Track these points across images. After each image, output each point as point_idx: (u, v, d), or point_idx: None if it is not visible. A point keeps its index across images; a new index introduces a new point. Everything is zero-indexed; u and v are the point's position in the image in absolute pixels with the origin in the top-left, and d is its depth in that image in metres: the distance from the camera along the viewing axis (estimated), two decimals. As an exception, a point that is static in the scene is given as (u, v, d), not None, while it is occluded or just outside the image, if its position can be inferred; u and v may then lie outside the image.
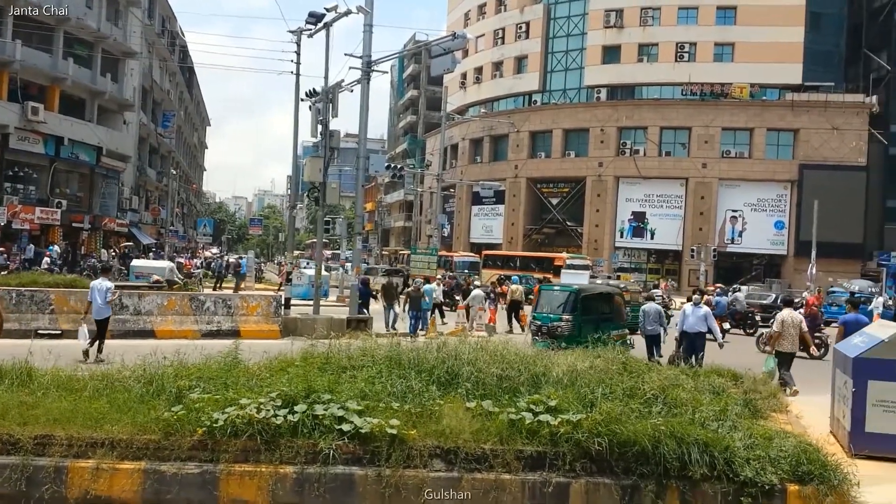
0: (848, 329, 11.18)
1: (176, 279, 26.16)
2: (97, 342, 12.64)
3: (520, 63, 63.38)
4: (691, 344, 13.80)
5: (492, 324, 21.45)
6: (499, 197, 60.81)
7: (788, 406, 9.19)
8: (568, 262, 44.23)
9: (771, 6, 53.60)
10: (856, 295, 33.02)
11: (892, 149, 55.53)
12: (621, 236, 56.56)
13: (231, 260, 39.80)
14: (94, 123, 40.00)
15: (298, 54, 27.91)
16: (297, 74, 27.89)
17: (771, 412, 8.54)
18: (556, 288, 19.14)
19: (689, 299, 15.51)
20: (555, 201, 59.60)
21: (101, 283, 12.95)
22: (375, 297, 23.74)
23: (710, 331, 13.94)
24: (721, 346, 14.17)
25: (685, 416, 6.78)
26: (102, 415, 6.44)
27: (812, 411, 9.23)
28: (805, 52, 54.02)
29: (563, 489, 6.05)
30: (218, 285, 31.64)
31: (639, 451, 6.10)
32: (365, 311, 19.41)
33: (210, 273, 35.55)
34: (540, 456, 6.18)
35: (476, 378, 7.40)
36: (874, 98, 53.56)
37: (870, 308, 25.98)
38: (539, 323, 16.76)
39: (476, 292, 21.91)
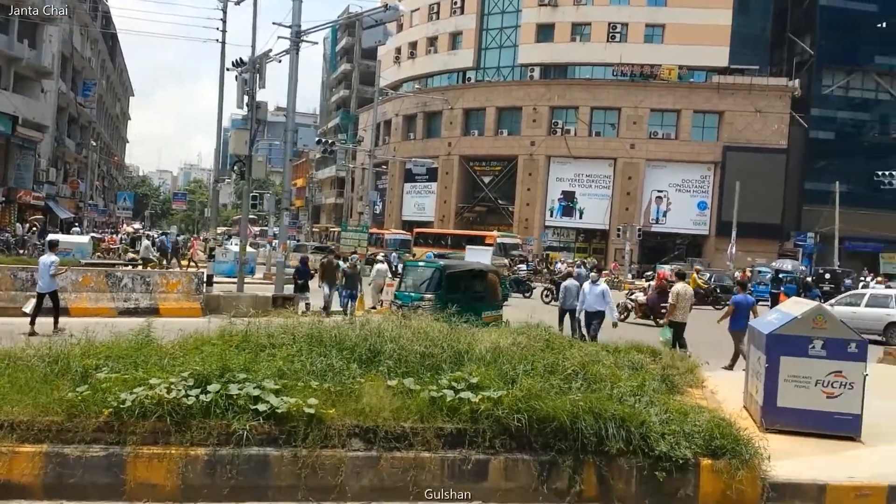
0: (738, 309, 12.58)
1: (151, 257, 25.42)
2: (54, 317, 12.98)
3: (454, 39, 63.09)
4: (589, 321, 14.04)
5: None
6: (431, 174, 60.66)
7: (705, 381, 9.41)
8: (499, 240, 44.58)
9: (701, -12, 54.65)
10: (781, 274, 34.52)
11: (813, 132, 57.66)
12: (551, 215, 57.22)
13: (179, 237, 38.40)
14: (10, 91, 38.11)
15: (224, 21, 27.08)
16: (223, 43, 27.07)
17: (687, 387, 8.73)
18: (420, 264, 17.83)
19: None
20: (487, 179, 59.82)
21: (47, 258, 13.39)
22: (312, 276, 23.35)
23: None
24: (615, 324, 14.29)
25: (604, 391, 6.84)
26: (2, 395, 6.10)
27: (727, 386, 9.47)
28: (732, 36, 55.30)
29: (482, 466, 6.03)
30: (168, 263, 30.35)
31: (557, 427, 6.12)
32: (306, 291, 18.80)
33: (131, 249, 34.35)
34: (460, 433, 6.14)
35: (399, 356, 7.31)
36: (797, 82, 55.35)
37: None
38: (399, 303, 15.32)
39: (379, 266, 20.89)
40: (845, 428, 7.56)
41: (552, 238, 57.12)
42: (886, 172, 38.74)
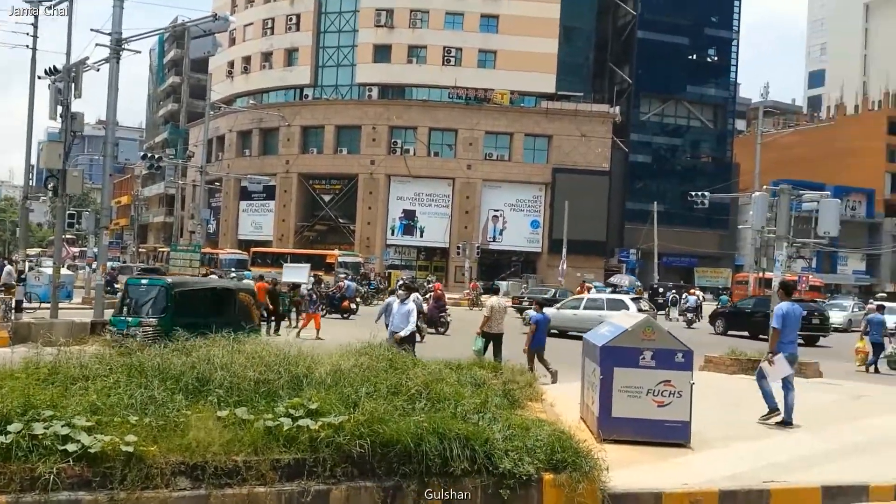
0: (539, 327, 13.51)
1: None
2: None
3: (290, 55, 62.03)
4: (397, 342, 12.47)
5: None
6: (269, 192, 59.03)
7: (543, 394, 9.54)
8: (340, 258, 44.06)
9: (529, 17, 57.07)
10: (619, 289, 36.88)
11: (632, 156, 61.71)
12: (392, 234, 57.40)
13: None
14: None
15: (35, 27, 24.93)
16: (34, 49, 24.91)
17: (528, 401, 8.79)
18: (143, 282, 14.74)
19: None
20: (327, 198, 59.10)
21: None
22: None
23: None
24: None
25: (448, 410, 6.69)
26: None
27: (564, 398, 9.65)
28: (558, 64, 58.21)
29: (322, 497, 5.68)
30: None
31: (402, 451, 5.89)
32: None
33: None
34: (298, 464, 5.76)
35: (230, 383, 6.80)
36: (617, 109, 59.07)
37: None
38: (114, 329, 12.93)
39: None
40: (676, 435, 7.88)
41: (394, 256, 57.28)
42: (698, 193, 41.93)
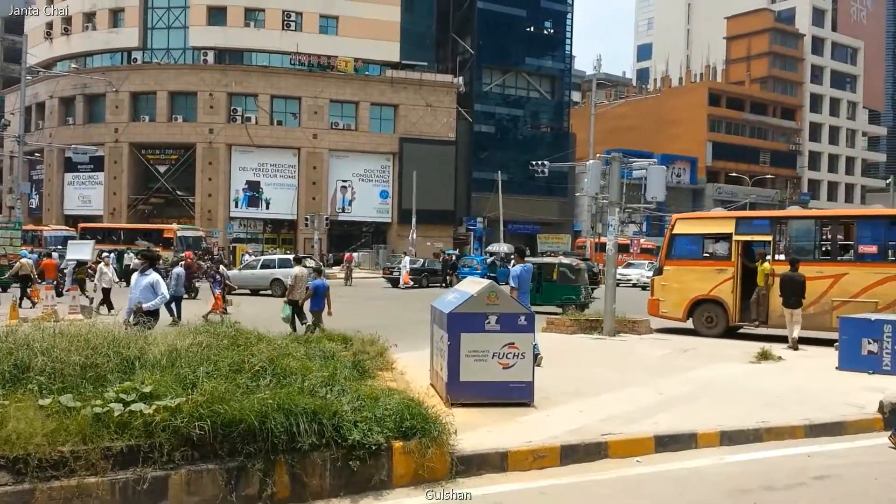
0: (317, 292, 14.12)
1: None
2: None
3: (116, 16, 57.77)
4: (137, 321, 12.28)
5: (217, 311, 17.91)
6: (97, 163, 55.13)
7: (394, 363, 9.55)
8: (179, 233, 42.07)
9: (370, -17, 56.34)
10: (496, 256, 38.23)
11: (477, 126, 62.81)
12: (236, 206, 55.42)
13: None
14: None
15: None
16: None
17: (378, 371, 8.77)
18: None
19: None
20: (163, 169, 55.99)
21: None
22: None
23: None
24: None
25: (294, 385, 6.53)
26: None
27: (415, 366, 9.71)
28: (402, 32, 57.98)
29: (160, 483, 5.37)
30: None
31: (245, 430, 5.67)
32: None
33: None
34: (132, 451, 5.41)
35: (53, 369, 6.27)
36: (461, 79, 59.78)
37: None
38: None
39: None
40: (520, 395, 8.12)
41: (239, 230, 55.34)
42: (539, 162, 43.45)
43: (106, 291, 19.99)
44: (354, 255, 48.52)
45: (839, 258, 15.91)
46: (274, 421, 5.72)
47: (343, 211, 56.73)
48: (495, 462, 6.36)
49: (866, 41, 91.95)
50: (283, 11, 56.17)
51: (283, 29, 56.12)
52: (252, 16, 56.53)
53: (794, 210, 19.00)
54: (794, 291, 14.34)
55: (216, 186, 54.37)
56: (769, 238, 16.70)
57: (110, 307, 19.07)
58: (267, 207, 55.81)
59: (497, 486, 6.05)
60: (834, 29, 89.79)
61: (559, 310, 21.08)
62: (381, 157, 57.43)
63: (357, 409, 6.20)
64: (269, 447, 5.68)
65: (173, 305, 16.38)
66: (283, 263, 27.26)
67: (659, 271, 17.91)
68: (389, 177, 57.59)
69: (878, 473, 6.53)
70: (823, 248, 16.28)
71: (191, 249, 38.48)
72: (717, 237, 17.04)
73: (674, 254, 17.60)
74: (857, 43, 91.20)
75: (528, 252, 13.34)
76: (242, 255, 43.52)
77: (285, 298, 15.47)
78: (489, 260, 35.60)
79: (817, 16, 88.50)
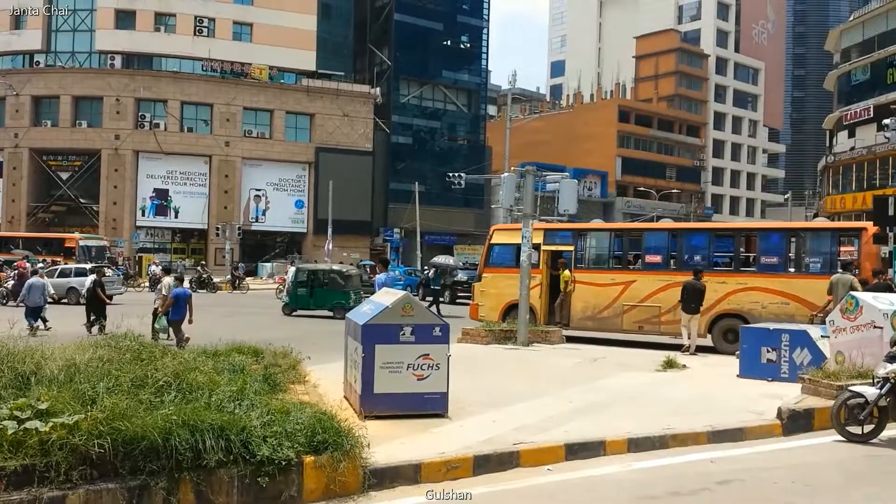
0: (178, 301, 14.67)
1: None
2: None
3: (17, 18, 55.21)
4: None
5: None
6: (-5, 170, 52.44)
7: (307, 376, 9.40)
8: (81, 242, 40.37)
9: (287, -8, 55.76)
10: (440, 268, 37.49)
11: (394, 137, 62.82)
12: (143, 214, 53.66)
13: None
14: None
15: None
16: None
17: (290, 384, 8.61)
18: None
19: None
20: (66, 176, 53.73)
21: None
22: None
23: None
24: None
25: (201, 400, 6.34)
26: None
27: (329, 379, 9.58)
28: (318, 42, 57.60)
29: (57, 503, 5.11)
30: None
31: (148, 447, 5.46)
32: None
33: None
34: (27, 470, 5.13)
35: (-63, 387, 5.89)
36: (378, 90, 59.72)
37: None
38: None
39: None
40: (435, 406, 8.11)
41: (145, 239, 53.59)
42: (456, 174, 43.82)
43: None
44: (268, 265, 47.74)
45: (630, 267, 17.59)
46: (178, 437, 5.53)
47: (257, 220, 55.69)
48: (408, 474, 6.32)
49: (767, 62, 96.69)
50: (196, 17, 54.93)
51: (194, 34, 54.85)
52: (162, 20, 55.03)
53: (593, 223, 20.35)
54: (693, 299, 15.10)
55: (122, 194, 52.49)
56: (571, 248, 18.16)
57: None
58: (176, 216, 54.23)
59: (409, 498, 6.01)
60: (737, 50, 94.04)
61: (330, 313, 23.39)
62: (296, 166, 56.70)
63: (267, 423, 6.05)
64: (173, 465, 5.49)
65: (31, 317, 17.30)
66: (80, 272, 27.72)
67: (478, 278, 19.22)
68: (305, 186, 56.91)
69: (778, 478, 6.80)
70: (616, 258, 17.93)
71: (94, 259, 37.04)
72: None
73: (491, 262, 18.89)
74: (758, 64, 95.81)
75: (390, 261, 15.21)
76: (149, 265, 42.11)
77: (161, 310, 15.56)
78: (429, 273, 34.44)
79: (721, 37, 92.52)
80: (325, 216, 50.37)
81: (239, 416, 6.08)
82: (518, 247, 16.89)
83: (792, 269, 16.14)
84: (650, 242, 17.99)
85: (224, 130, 54.26)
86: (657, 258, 17.38)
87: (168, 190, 53.82)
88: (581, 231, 18.91)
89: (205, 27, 55.31)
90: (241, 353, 9.53)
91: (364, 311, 8.81)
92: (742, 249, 16.86)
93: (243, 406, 6.41)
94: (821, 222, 21.39)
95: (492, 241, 19.15)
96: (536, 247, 17.80)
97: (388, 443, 6.83)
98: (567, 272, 17.74)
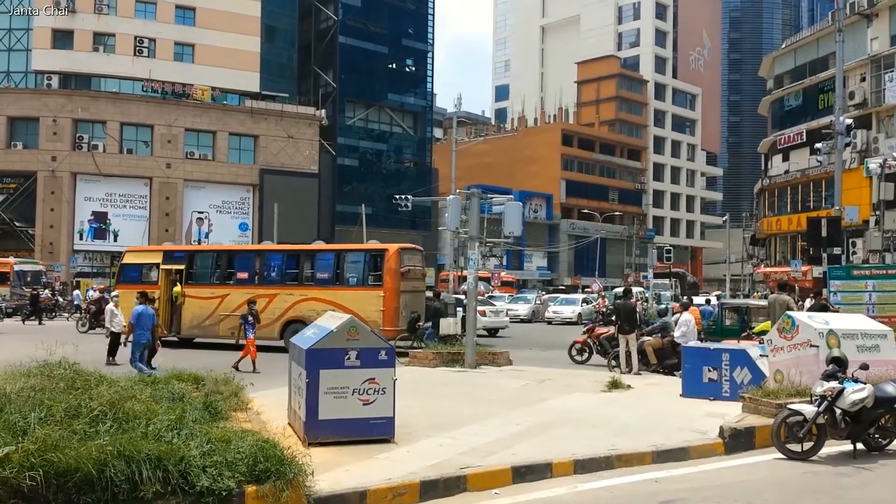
0: (139, 322, 14.37)
1: None
2: None
3: (-52, 36, 53.58)
4: None
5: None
6: (-77, 192, 50.40)
7: (250, 403, 9.20)
8: (16, 267, 39.01)
9: (228, 12, 55.29)
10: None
11: (340, 159, 62.63)
12: (81, 238, 52.14)
13: None
14: None
15: None
16: None
17: (232, 412, 8.41)
18: None
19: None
20: (0, 199, 51.95)
21: None
22: None
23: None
24: None
25: (138, 430, 6.15)
26: None
27: (272, 405, 9.40)
28: (262, 63, 57.20)
29: (-18, 542, 4.87)
30: None
31: (82, 479, 5.26)
32: None
33: None
34: (-48, 507, 4.89)
35: None
36: (323, 112, 59.53)
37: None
38: None
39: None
40: (381, 431, 7.99)
41: (84, 263, 52.03)
42: (402, 196, 43.84)
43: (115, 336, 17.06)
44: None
45: (226, 282, 20.81)
46: (114, 469, 5.36)
47: (199, 243, 54.63)
48: (354, 501, 6.21)
49: (704, 88, 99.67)
50: (136, 37, 54.02)
51: (135, 55, 53.91)
52: (101, 40, 53.96)
53: (201, 246, 23.74)
54: (626, 318, 15.41)
55: (59, 217, 50.99)
56: (183, 267, 21.35)
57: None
58: (115, 239, 52.80)
59: (355, 526, 5.90)
60: (675, 76, 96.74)
61: None
62: (240, 188, 55.96)
63: (207, 453, 5.88)
64: (108, 497, 5.31)
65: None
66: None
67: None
68: (249, 209, 56.18)
69: (721, 496, 6.89)
70: (216, 275, 21.17)
71: (30, 284, 35.85)
72: (152, 266, 21.77)
73: (122, 279, 21.93)
74: (696, 89, 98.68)
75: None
76: (87, 290, 40.89)
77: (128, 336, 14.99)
78: None
79: (659, 63, 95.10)
80: (269, 238, 49.72)
81: (177, 445, 5.90)
82: (143, 266, 21.77)
83: (338, 283, 19.81)
84: (240, 262, 21.66)
85: (165, 152, 53.28)
86: (245, 275, 20.75)
87: (107, 213, 52.50)
88: (191, 252, 23.03)
89: (145, 47, 54.44)
90: (181, 381, 9.30)
91: (308, 336, 8.67)
92: (304, 267, 20.46)
93: (182, 435, 6.23)
94: (357, 245, 25.68)
95: (123, 261, 22.57)
96: (157, 266, 21.41)
97: (333, 470, 6.71)
98: (178, 287, 20.70)
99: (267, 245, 29.66)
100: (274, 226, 48.45)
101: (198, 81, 54.43)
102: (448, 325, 18.58)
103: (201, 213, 54.75)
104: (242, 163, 56.07)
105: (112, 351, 16.33)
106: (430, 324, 17.56)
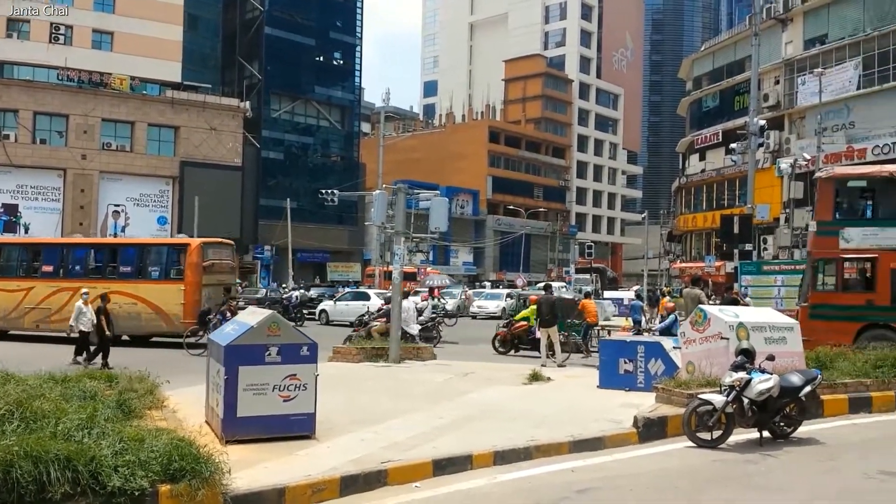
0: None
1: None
2: None
3: None
4: None
5: None
6: None
7: (166, 401, 9.01)
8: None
9: (150, 0, 53.61)
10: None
11: (265, 152, 61.59)
12: (-10, 231, 49.81)
13: None
14: None
15: None
16: None
17: (147, 410, 8.23)
18: None
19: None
20: None
21: None
22: None
23: None
24: None
25: (46, 430, 5.96)
26: None
27: (189, 403, 9.22)
28: (184, 53, 55.68)
29: None
30: None
31: (-14, 482, 5.07)
32: None
33: None
34: None
35: None
36: (248, 104, 58.34)
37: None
38: None
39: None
40: (302, 428, 7.94)
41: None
42: (328, 191, 43.40)
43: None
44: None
45: (32, 275, 21.18)
46: (21, 470, 5.20)
47: (115, 237, 52.87)
48: (272, 499, 6.16)
49: (626, 88, 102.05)
50: (52, 24, 51.80)
51: (50, 42, 51.72)
52: (15, 26, 51.55)
53: (7, 238, 24.94)
54: (547, 312, 16.02)
55: (-35, 210, 48.57)
56: None
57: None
58: (26, 233, 50.51)
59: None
60: (598, 76, 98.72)
61: None
62: (159, 180, 54.34)
63: (119, 452, 5.74)
64: (15, 499, 5.16)
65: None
66: None
67: None
68: (169, 202, 54.62)
69: (634, 485, 7.12)
70: (23, 267, 21.58)
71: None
72: None
73: None
74: (618, 90, 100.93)
75: None
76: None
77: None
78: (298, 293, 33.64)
79: (584, 63, 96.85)
80: (190, 233, 48.50)
81: (88, 445, 5.75)
82: None
83: (141, 277, 20.27)
84: (46, 255, 21.79)
85: (81, 143, 51.30)
86: (51, 268, 21.07)
87: (17, 205, 50.22)
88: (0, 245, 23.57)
89: (62, 34, 52.29)
90: (94, 379, 9.03)
91: (227, 332, 8.54)
92: (109, 261, 21.00)
93: (93, 434, 6.07)
94: (160, 239, 26.68)
95: None
96: None
97: (251, 468, 6.64)
98: None
99: (73, 238, 29.86)
100: (194, 219, 47.28)
101: (117, 70, 52.56)
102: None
103: (118, 206, 52.96)
104: (162, 154, 54.42)
105: (80, 351, 15.90)
106: (220, 316, 17.70)
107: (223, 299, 18.58)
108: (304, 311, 32.22)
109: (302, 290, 36.27)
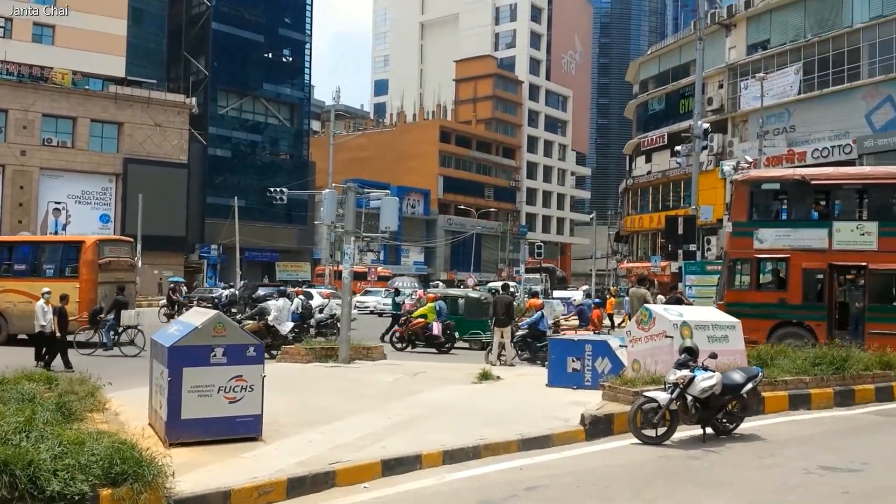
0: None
1: None
2: None
3: None
4: None
5: None
6: None
7: (107, 403, 8.79)
8: None
9: (93, -7, 52.41)
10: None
11: (211, 149, 60.59)
12: (-79, 229, 47.90)
13: None
14: None
15: None
16: None
17: (88, 412, 8.01)
18: None
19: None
20: None
21: None
22: None
23: None
24: None
25: (-18, 434, 5.76)
26: None
27: (133, 406, 9.02)
28: (128, 47, 54.55)
29: None
30: None
31: (-85, 489, 4.89)
32: None
33: None
34: None
35: None
36: (194, 100, 57.32)
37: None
38: None
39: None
40: (248, 429, 7.83)
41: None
42: (277, 189, 42.86)
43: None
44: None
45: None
46: (-46, 476, 5.00)
47: (56, 236, 51.44)
48: (217, 501, 6.06)
49: (575, 91, 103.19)
50: (-10, 16, 50.22)
51: (-11, 34, 50.11)
52: (-49, 17, 49.81)
53: None
54: (503, 312, 16.13)
55: None
56: None
57: None
58: (-38, 231, 48.97)
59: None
60: (548, 78, 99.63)
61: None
62: (102, 177, 53.08)
63: (58, 456, 5.59)
64: (-53, 506, 4.96)
65: None
66: None
67: None
68: (112, 199, 53.41)
69: (581, 481, 7.20)
70: None
71: None
72: None
73: None
74: (567, 92, 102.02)
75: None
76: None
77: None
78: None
79: (534, 65, 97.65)
80: (133, 231, 47.42)
81: (25, 448, 5.59)
82: None
83: (35, 275, 19.91)
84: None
85: (20, 138, 49.78)
86: None
87: (-48, 203, 48.56)
88: None
89: (1, 27, 50.68)
90: (32, 381, 8.76)
91: (171, 333, 8.38)
92: (4, 258, 20.61)
93: (31, 438, 5.90)
94: (56, 237, 26.78)
95: None
96: None
97: (195, 470, 6.53)
98: None
99: None
100: (138, 217, 46.27)
101: (58, 64, 51.14)
102: (130, 317, 18.33)
103: (59, 203, 51.58)
104: (105, 151, 53.18)
105: (40, 354, 15.26)
106: (112, 315, 17.57)
107: (114, 300, 18.20)
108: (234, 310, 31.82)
109: (233, 290, 35.65)
